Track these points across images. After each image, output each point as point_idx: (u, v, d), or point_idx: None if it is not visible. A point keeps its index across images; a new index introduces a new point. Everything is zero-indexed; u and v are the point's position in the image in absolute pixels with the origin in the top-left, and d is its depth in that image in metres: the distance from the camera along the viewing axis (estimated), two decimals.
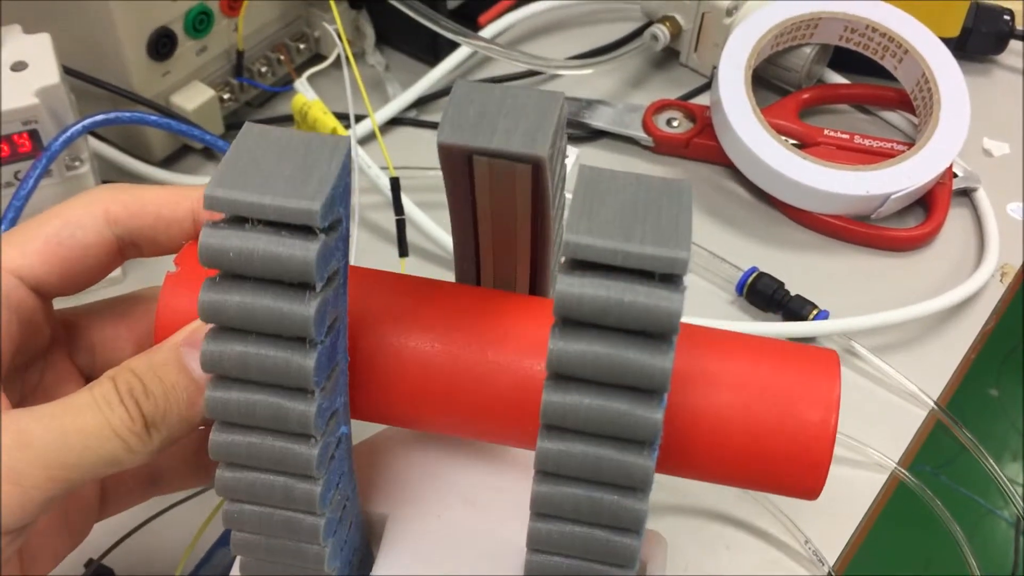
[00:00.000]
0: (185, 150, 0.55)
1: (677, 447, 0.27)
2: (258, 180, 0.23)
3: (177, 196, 0.29)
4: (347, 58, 0.54)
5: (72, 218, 0.28)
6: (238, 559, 0.28)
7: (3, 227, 0.40)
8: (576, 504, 0.25)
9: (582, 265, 0.23)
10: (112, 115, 0.43)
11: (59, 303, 0.30)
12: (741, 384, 0.27)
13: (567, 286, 0.23)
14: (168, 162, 0.54)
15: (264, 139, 0.24)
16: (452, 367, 0.28)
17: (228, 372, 0.24)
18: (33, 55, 0.43)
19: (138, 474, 0.32)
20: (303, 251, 0.23)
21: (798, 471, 0.28)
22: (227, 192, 0.23)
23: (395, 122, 0.57)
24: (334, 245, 0.24)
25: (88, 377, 0.31)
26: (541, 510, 0.25)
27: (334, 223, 0.24)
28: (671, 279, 0.23)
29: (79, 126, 0.42)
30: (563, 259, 0.24)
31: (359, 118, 0.54)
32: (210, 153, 0.55)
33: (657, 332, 0.23)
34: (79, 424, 0.25)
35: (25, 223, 0.28)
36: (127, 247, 0.29)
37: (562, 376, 0.24)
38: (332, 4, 0.50)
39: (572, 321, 0.23)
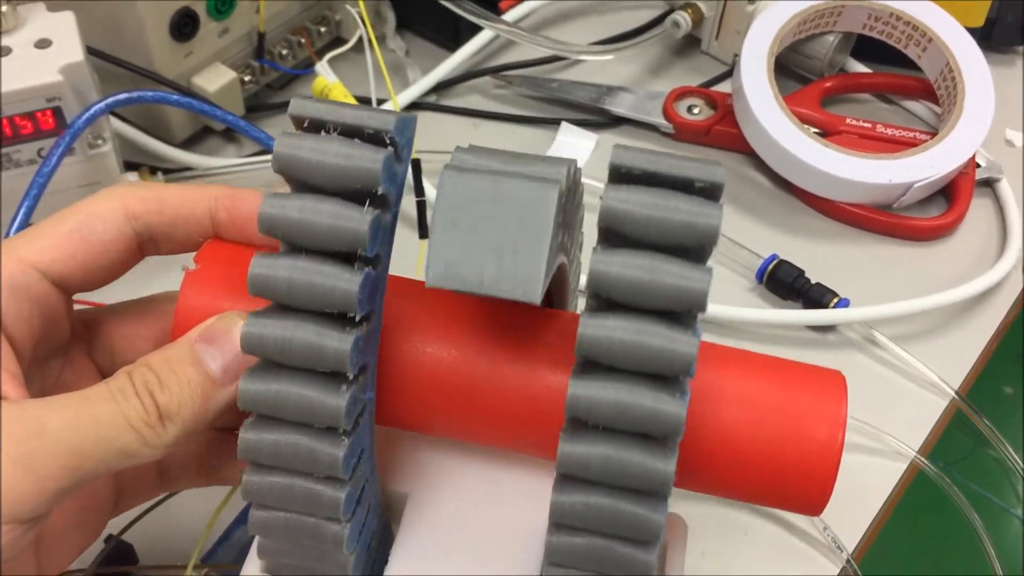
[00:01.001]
0: (206, 132, 0.55)
1: (683, 463, 0.26)
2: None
3: (196, 194, 0.29)
4: (369, 41, 0.54)
5: (92, 213, 0.28)
6: (256, 538, 0.28)
7: (26, 203, 0.40)
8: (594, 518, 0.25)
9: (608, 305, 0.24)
10: (135, 94, 0.43)
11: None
12: (749, 401, 0.28)
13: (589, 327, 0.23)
14: (189, 143, 0.54)
15: None
16: (468, 376, 0.28)
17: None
18: (57, 33, 0.43)
19: (148, 471, 0.32)
20: (347, 283, 0.24)
21: (804, 487, 0.28)
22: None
23: (415, 106, 0.57)
24: (375, 282, 0.25)
25: (107, 376, 0.31)
26: (559, 521, 0.25)
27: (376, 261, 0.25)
28: (687, 319, 0.24)
29: (102, 104, 0.42)
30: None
31: (379, 102, 0.54)
32: (230, 135, 0.55)
33: (671, 374, 0.24)
34: (94, 414, 0.25)
35: (46, 219, 0.29)
36: (146, 243, 0.29)
37: (579, 421, 0.24)
38: None
39: (592, 363, 0.24)
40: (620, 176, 0.24)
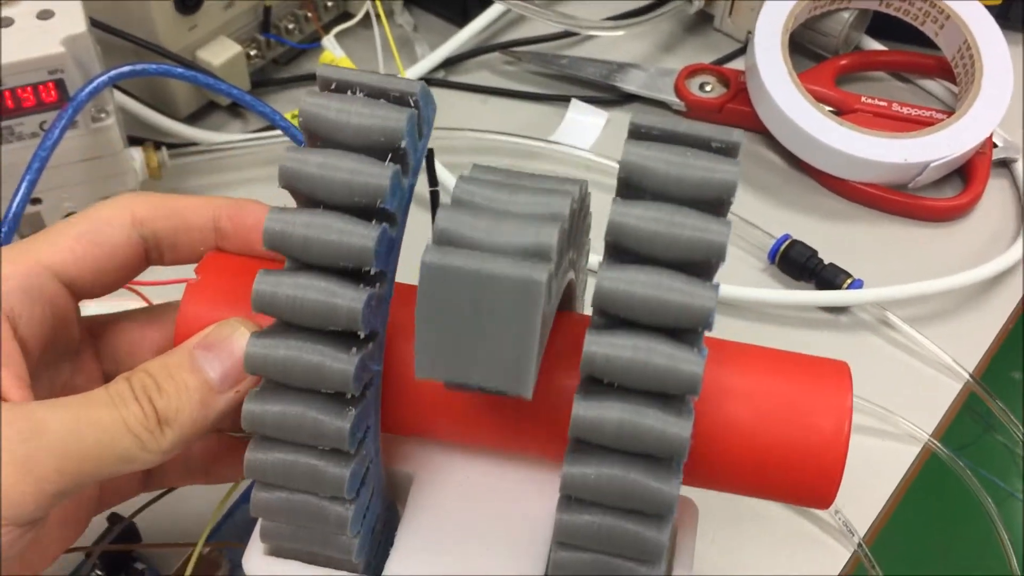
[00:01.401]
0: (211, 107, 0.54)
1: (688, 461, 0.26)
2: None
3: (201, 203, 0.30)
4: (377, 16, 0.53)
5: (102, 218, 0.29)
6: (259, 521, 0.28)
7: (28, 176, 0.40)
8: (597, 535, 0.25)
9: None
10: (139, 66, 0.42)
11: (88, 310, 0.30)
12: (752, 397, 0.27)
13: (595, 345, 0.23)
14: (193, 119, 0.53)
15: None
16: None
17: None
18: (59, 4, 0.42)
19: (134, 472, 0.32)
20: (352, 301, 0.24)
21: (811, 482, 0.27)
22: None
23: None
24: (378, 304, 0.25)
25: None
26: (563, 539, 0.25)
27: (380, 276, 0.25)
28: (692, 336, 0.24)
29: (106, 76, 0.41)
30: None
31: None
32: (236, 110, 0.54)
33: (676, 393, 0.23)
34: (93, 417, 0.25)
35: (56, 224, 0.29)
36: (151, 251, 0.30)
37: (582, 441, 0.24)
38: None
39: (597, 381, 0.24)
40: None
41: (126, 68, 0.42)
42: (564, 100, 0.56)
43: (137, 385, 0.26)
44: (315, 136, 0.25)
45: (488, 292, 0.22)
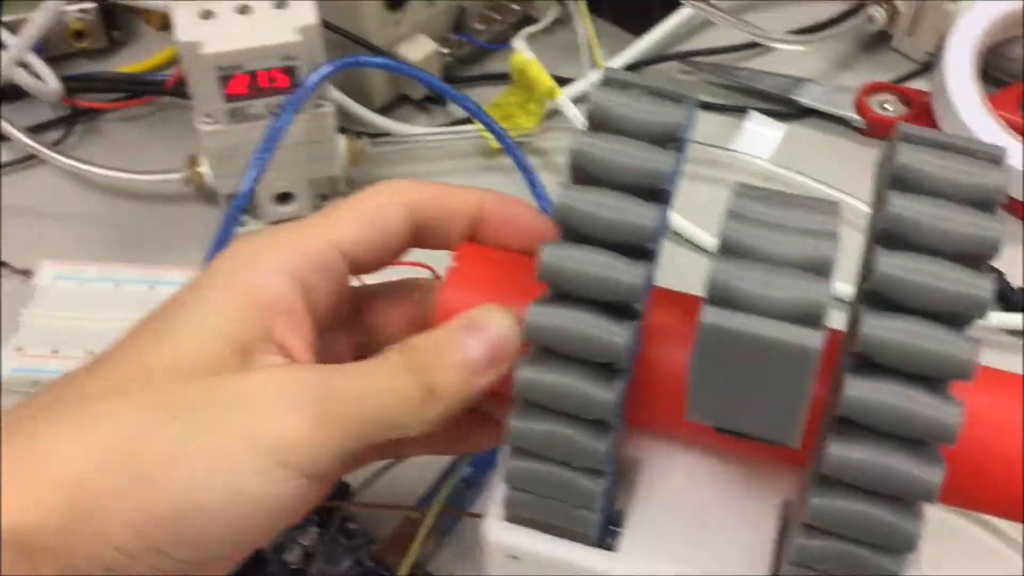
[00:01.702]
0: (401, 100, 0.56)
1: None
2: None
3: (466, 194, 0.32)
4: (560, 19, 0.55)
5: (383, 203, 0.31)
6: (506, 489, 0.29)
7: (265, 155, 0.42)
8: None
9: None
10: (362, 58, 0.45)
11: None
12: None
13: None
14: (384, 110, 0.55)
15: None
16: None
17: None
18: None
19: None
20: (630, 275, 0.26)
21: (1007, 489, 0.27)
22: None
23: None
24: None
25: (362, 351, 0.33)
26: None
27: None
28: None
29: (334, 65, 0.44)
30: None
31: (565, 80, 0.55)
32: (422, 104, 0.57)
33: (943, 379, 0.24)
34: (375, 385, 0.27)
35: (337, 205, 0.31)
36: (419, 236, 0.32)
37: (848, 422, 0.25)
38: None
39: (868, 362, 0.24)
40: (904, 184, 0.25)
41: (352, 59, 0.45)
42: (740, 111, 0.57)
43: (412, 360, 0.28)
44: (582, 173, 0.27)
45: (764, 354, 0.24)
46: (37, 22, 0.44)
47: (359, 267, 0.31)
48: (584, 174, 0.27)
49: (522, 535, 0.30)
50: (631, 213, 0.26)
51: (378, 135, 0.53)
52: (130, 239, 0.51)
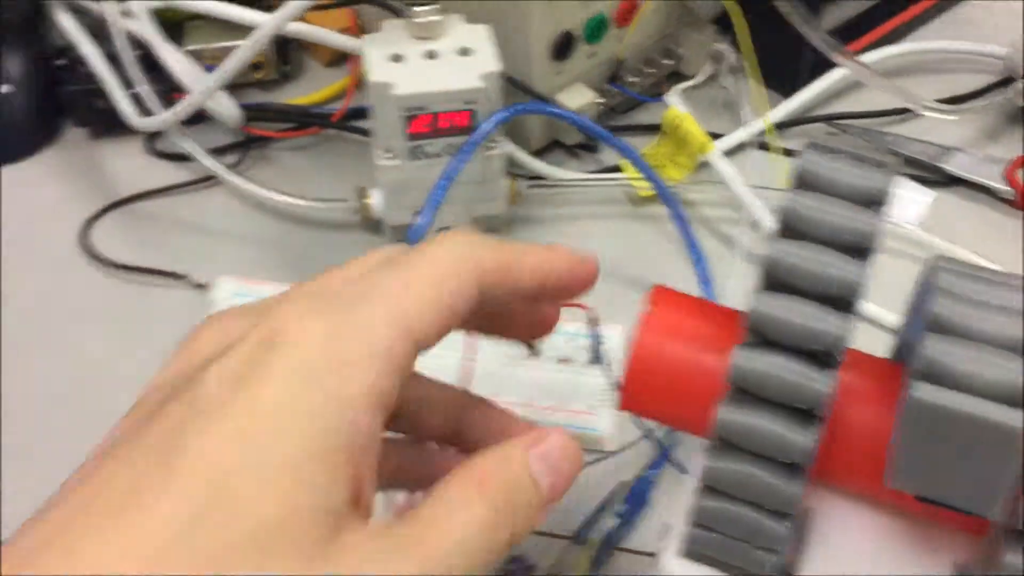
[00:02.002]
0: (553, 145, 0.59)
1: None
2: None
3: (521, 255, 0.30)
4: (714, 76, 0.57)
5: (458, 290, 0.28)
6: (690, 528, 0.31)
7: (440, 192, 0.45)
8: None
9: None
10: (535, 105, 0.47)
11: None
12: None
13: None
14: (538, 153, 0.58)
15: None
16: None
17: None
18: (475, 42, 0.47)
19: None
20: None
21: None
22: None
23: (743, 145, 0.59)
24: None
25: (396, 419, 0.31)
26: None
27: None
28: None
29: (511, 110, 0.46)
30: None
31: (716, 136, 0.57)
32: (572, 152, 0.59)
33: None
34: (457, 538, 0.26)
35: (413, 277, 0.27)
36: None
37: None
38: (737, 26, 0.53)
39: None
40: None
41: (523, 106, 0.47)
42: None
43: (485, 487, 0.27)
44: (790, 229, 0.28)
45: (972, 432, 0.25)
46: (241, 57, 0.48)
47: (423, 350, 0.27)
48: (792, 230, 0.29)
49: (700, 572, 0.31)
50: (840, 268, 0.27)
51: (533, 177, 0.55)
52: (299, 261, 0.54)
